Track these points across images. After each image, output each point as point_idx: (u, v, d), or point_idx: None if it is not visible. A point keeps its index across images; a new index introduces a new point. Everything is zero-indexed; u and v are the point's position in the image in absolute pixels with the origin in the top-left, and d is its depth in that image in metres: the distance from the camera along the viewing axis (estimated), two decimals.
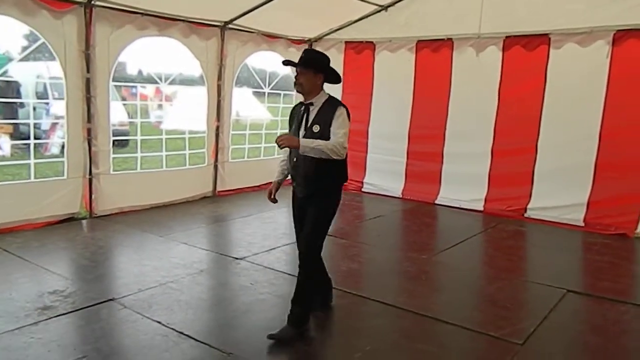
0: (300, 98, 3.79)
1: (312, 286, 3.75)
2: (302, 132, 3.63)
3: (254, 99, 11.53)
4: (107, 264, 5.15)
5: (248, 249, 5.57)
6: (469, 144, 7.68)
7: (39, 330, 3.58)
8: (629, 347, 3.78)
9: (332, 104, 3.62)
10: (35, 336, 3.49)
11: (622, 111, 6.43)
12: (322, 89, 3.67)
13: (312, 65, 3.59)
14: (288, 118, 3.91)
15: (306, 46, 8.99)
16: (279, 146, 3.51)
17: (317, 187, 3.65)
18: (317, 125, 3.56)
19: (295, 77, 3.67)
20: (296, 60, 3.65)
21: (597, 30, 6.48)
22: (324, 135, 3.52)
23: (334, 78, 3.71)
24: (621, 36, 6.36)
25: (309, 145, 3.45)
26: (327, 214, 3.69)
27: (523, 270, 5.64)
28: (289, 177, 3.93)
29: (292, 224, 3.94)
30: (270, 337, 3.56)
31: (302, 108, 3.69)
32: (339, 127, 3.51)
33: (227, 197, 8.02)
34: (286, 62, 3.82)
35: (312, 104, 3.64)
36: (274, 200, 3.92)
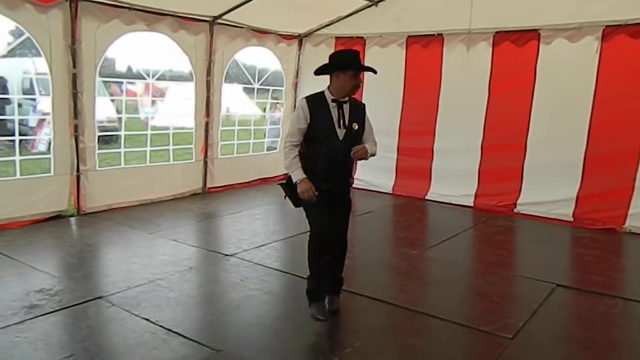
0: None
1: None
2: (340, 130, 3.68)
3: (244, 95, 11.48)
4: (94, 261, 5.09)
5: (238, 245, 5.54)
6: (459, 140, 7.68)
7: (25, 329, 3.52)
8: (617, 340, 3.81)
9: (356, 101, 3.85)
10: (21, 335, 3.43)
11: (610, 107, 6.46)
12: None
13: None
14: (302, 111, 3.65)
15: (296, 42, 8.95)
16: (355, 157, 3.73)
17: (348, 182, 3.96)
18: (356, 124, 3.75)
19: (358, 80, 3.70)
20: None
21: (587, 26, 6.50)
22: (362, 132, 3.79)
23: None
24: (610, 32, 6.38)
25: (372, 152, 3.78)
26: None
27: (513, 264, 5.66)
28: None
29: (320, 210, 3.72)
30: (330, 313, 3.86)
31: (335, 105, 3.68)
32: (373, 130, 3.88)
33: (216, 193, 7.96)
34: (364, 68, 3.79)
35: (345, 101, 3.72)
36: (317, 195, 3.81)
